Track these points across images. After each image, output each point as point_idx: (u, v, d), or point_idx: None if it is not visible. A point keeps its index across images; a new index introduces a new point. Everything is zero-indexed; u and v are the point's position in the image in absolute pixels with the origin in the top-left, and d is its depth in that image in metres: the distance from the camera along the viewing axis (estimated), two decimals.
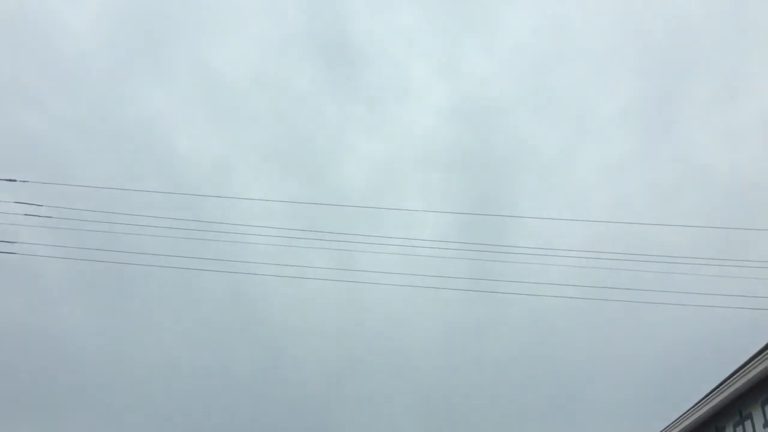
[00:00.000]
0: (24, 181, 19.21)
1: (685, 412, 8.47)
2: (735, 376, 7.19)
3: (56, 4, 24.79)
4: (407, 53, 24.78)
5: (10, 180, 19.22)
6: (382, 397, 21.26)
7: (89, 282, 22.86)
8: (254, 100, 25.01)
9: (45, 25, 24.36)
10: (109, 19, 24.88)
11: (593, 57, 23.09)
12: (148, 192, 19.91)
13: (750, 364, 6.91)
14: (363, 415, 21.33)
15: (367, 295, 19.60)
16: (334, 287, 19.34)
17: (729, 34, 22.04)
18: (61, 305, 23.45)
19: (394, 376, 21.25)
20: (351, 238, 18.21)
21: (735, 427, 7.68)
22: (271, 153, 24.48)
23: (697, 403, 8.17)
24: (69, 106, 24.33)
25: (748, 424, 7.41)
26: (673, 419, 8.68)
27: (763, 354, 6.69)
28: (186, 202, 21.46)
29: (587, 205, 20.86)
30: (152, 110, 24.40)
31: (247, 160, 24.64)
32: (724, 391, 7.37)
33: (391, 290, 18.42)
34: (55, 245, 19.53)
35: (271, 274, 18.84)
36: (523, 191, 22.15)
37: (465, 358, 20.93)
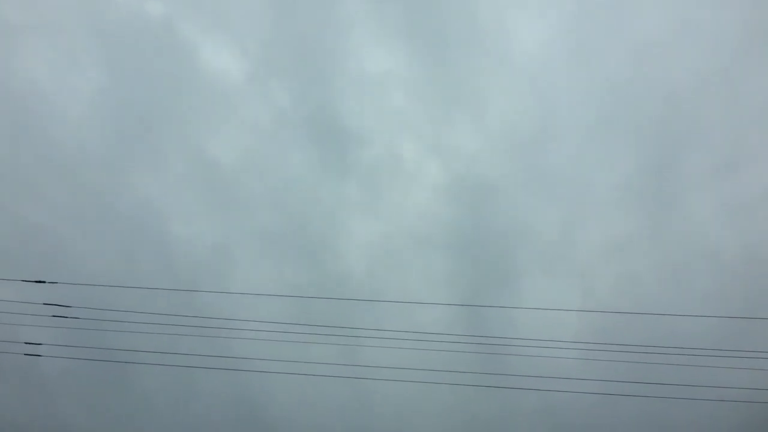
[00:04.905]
0: (53, 283, 18.91)
1: None
2: None
3: (52, 94, 24.96)
4: (398, 132, 24.82)
5: (40, 281, 18.93)
6: None
7: (89, 378, 22.34)
8: (247, 184, 24.90)
9: (41, 115, 24.49)
10: (104, 108, 25.03)
11: (585, 132, 23.11)
12: (152, 289, 19.55)
13: None
14: None
15: (372, 388, 19.06)
16: (336, 381, 18.82)
17: (725, 104, 22.12)
18: (57, 400, 22.89)
19: None
20: (353, 331, 17.81)
21: None
22: (266, 237, 24.25)
23: None
24: (67, 195, 24.24)
25: None
26: None
27: None
28: (184, 295, 21.11)
29: (592, 285, 20.51)
30: (147, 197, 24.29)
31: (242, 245, 24.37)
32: None
33: (397, 383, 17.91)
34: (75, 346, 19.18)
35: (265, 370, 18.31)
36: (525, 271, 21.85)
37: None
